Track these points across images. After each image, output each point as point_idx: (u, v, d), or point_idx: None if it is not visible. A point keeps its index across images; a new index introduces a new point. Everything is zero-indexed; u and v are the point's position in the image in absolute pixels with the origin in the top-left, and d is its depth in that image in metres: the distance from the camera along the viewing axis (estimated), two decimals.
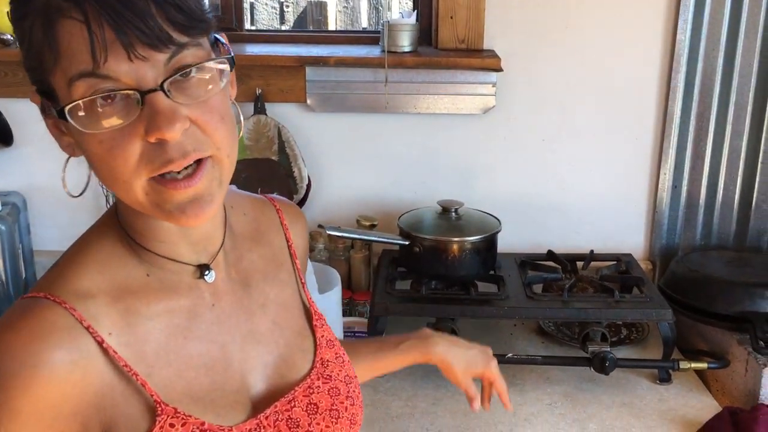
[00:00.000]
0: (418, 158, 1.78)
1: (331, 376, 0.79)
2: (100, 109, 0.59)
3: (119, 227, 0.70)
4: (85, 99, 0.58)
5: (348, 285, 1.76)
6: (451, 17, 1.69)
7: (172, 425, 0.66)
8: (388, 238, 1.58)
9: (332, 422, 0.77)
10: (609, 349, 1.44)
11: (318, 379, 0.78)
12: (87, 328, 0.64)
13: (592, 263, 1.74)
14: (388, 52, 1.64)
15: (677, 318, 1.68)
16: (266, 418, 0.72)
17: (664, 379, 1.50)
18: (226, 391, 0.72)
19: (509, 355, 1.48)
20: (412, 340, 1.05)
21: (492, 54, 1.68)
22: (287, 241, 0.84)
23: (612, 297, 1.52)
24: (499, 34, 1.72)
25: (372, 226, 1.74)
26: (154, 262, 0.70)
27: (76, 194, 0.67)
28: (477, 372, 1.08)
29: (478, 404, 1.07)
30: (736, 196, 1.79)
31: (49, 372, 0.61)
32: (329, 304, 1.42)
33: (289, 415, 0.74)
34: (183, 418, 0.67)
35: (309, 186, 1.76)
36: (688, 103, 1.73)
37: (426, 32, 1.78)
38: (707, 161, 1.77)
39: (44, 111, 0.65)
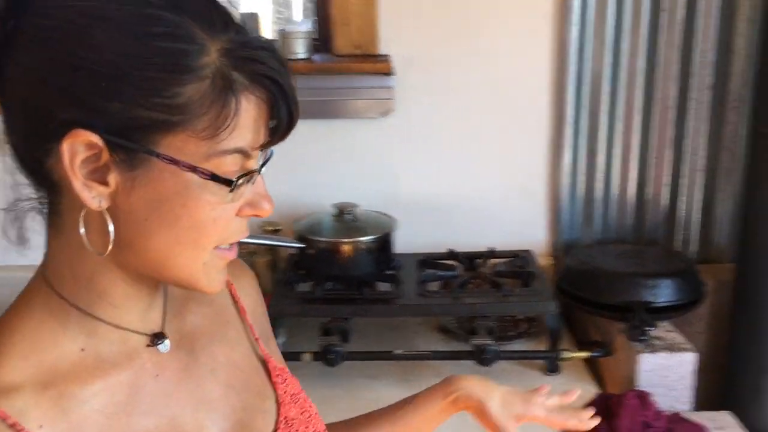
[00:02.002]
0: (320, 163, 1.82)
1: None
2: (235, 180, 0.59)
3: (50, 296, 0.62)
4: (242, 175, 0.59)
5: None
6: (346, 24, 1.73)
7: None
8: (281, 242, 1.61)
9: None
10: (492, 342, 1.49)
11: None
12: (12, 426, 0.57)
13: (494, 260, 1.78)
14: None
15: (574, 310, 1.73)
16: None
17: (552, 369, 1.54)
18: None
19: (398, 351, 1.52)
20: (432, 386, 0.95)
21: (385, 59, 1.72)
22: (232, 298, 0.78)
23: (500, 292, 1.56)
24: (396, 40, 1.77)
25: (276, 231, 1.77)
26: (94, 332, 0.63)
27: (104, 251, 0.59)
28: (517, 412, 0.92)
29: None
30: (632, 191, 1.84)
31: None
32: None
33: None
34: None
35: None
36: (579, 101, 1.78)
37: (325, 39, 1.82)
38: (602, 157, 1.82)
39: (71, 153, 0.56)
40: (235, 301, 0.78)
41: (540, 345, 1.66)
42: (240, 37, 0.57)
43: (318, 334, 1.55)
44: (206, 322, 0.74)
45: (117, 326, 0.64)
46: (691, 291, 1.59)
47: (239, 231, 0.62)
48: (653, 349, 1.46)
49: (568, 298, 1.65)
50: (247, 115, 0.57)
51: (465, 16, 1.75)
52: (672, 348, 1.46)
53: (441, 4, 1.75)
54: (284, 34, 1.69)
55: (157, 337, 0.67)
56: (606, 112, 1.79)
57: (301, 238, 1.62)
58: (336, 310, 1.54)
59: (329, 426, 0.87)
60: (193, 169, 0.57)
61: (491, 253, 1.79)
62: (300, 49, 1.70)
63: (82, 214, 0.58)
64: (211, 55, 0.56)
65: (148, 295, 0.65)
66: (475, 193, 1.87)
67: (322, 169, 1.82)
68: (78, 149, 0.55)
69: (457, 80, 1.78)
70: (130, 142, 0.55)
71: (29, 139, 0.59)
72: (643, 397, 1.34)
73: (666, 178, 1.82)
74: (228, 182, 0.58)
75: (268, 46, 0.58)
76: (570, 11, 1.72)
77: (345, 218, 1.64)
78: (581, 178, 1.84)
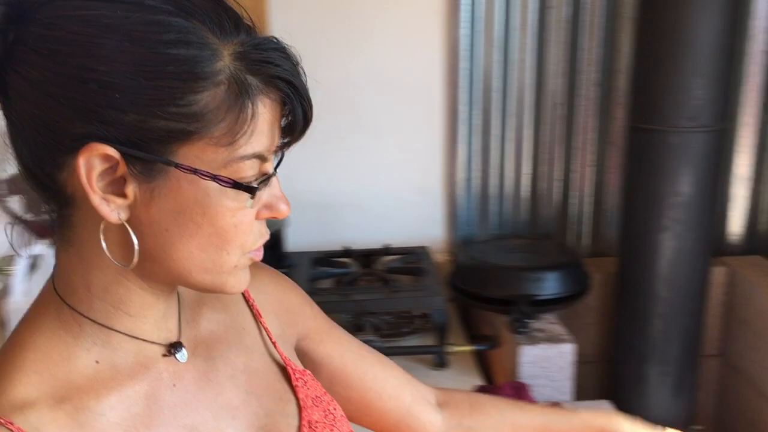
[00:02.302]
0: None
1: None
2: (257, 187, 0.57)
3: (62, 309, 0.60)
4: (261, 179, 0.57)
5: None
6: None
7: None
8: None
9: None
10: (376, 338, 1.48)
11: None
12: None
13: (388, 257, 1.78)
14: None
15: (467, 305, 1.75)
16: None
17: (441, 364, 1.55)
18: None
19: None
20: (592, 411, 0.92)
21: None
22: (247, 301, 0.75)
23: (389, 288, 1.56)
24: (285, 35, 1.75)
25: None
26: (108, 344, 0.61)
27: (128, 264, 0.57)
28: None
29: None
30: (525, 187, 1.87)
31: None
32: None
33: None
34: None
35: None
36: (472, 98, 1.80)
37: None
38: (495, 154, 1.84)
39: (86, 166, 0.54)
40: (250, 305, 0.75)
41: (433, 340, 1.67)
42: (251, 38, 0.56)
43: None
44: (221, 329, 0.71)
45: (133, 336, 0.61)
46: (576, 283, 1.62)
47: (261, 234, 0.60)
48: (534, 341, 1.48)
49: (459, 294, 1.67)
50: (264, 119, 0.56)
51: (356, 14, 1.75)
52: (552, 339, 1.48)
53: (331, 1, 1.74)
54: None
55: (174, 347, 0.64)
56: (498, 110, 1.81)
57: None
58: None
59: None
60: (214, 177, 0.55)
61: (386, 250, 1.79)
62: None
63: (102, 227, 0.56)
64: (225, 60, 0.54)
65: (164, 303, 0.63)
66: (372, 190, 1.87)
67: None
68: (94, 163, 0.53)
69: (349, 78, 1.78)
70: (147, 153, 0.53)
71: (39, 153, 0.56)
72: (518, 388, 1.35)
73: (558, 174, 1.86)
74: (250, 189, 0.56)
75: (279, 46, 0.57)
76: (459, 9, 1.73)
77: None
78: (476, 175, 1.86)
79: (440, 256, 1.87)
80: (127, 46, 0.51)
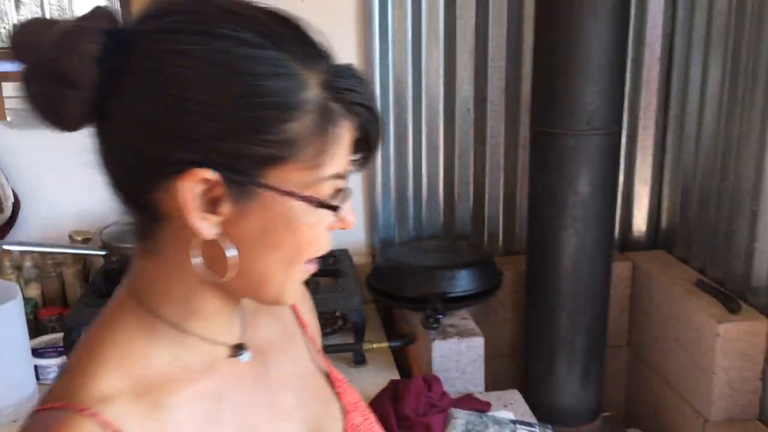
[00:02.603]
0: None
1: None
2: (339, 206, 0.61)
3: (140, 311, 0.64)
4: (339, 197, 0.61)
5: (64, 302, 1.74)
6: None
7: None
8: (84, 250, 1.59)
9: None
10: None
11: None
12: None
13: None
14: None
15: (386, 305, 1.80)
16: None
17: (359, 361, 1.60)
18: None
19: None
20: None
21: None
22: (294, 313, 0.80)
23: (308, 289, 1.60)
24: None
25: (86, 240, 1.73)
26: (182, 345, 0.64)
27: (220, 277, 0.61)
28: None
29: None
30: (441, 191, 1.94)
31: None
32: (4, 318, 1.41)
33: None
34: None
35: (17, 205, 1.73)
36: (385, 104, 1.87)
37: None
38: (410, 158, 1.91)
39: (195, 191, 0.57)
40: (297, 317, 0.80)
41: (352, 339, 1.72)
42: (332, 67, 0.60)
43: None
44: (275, 336, 0.75)
45: (205, 339, 0.65)
46: (487, 281, 1.69)
47: (328, 245, 0.65)
48: (446, 336, 1.55)
49: (377, 294, 1.72)
50: (344, 142, 0.60)
51: None
52: (463, 334, 1.56)
53: None
54: None
55: (238, 348, 0.68)
56: (411, 116, 1.88)
57: (107, 246, 1.60)
58: None
59: None
60: (301, 197, 0.59)
61: None
62: None
63: (193, 243, 0.59)
64: (312, 89, 0.58)
65: (234, 309, 0.67)
66: None
67: None
68: (194, 186, 0.57)
69: None
70: (242, 176, 0.57)
71: (137, 176, 0.59)
72: (429, 381, 1.42)
73: (471, 177, 1.94)
74: (333, 208, 0.61)
75: (356, 74, 0.62)
76: (372, 19, 1.80)
77: None
78: (393, 180, 1.92)
79: (361, 259, 1.93)
80: (225, 80, 0.56)
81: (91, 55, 0.55)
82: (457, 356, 1.54)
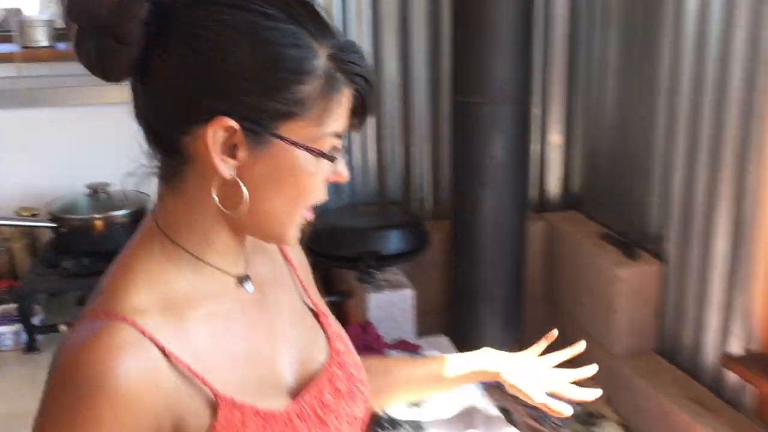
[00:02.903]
0: (72, 148, 1.88)
1: (344, 364, 0.88)
2: (336, 157, 0.73)
3: (165, 242, 0.74)
4: (336, 151, 0.72)
5: (13, 275, 1.82)
6: None
7: (232, 413, 0.74)
8: (32, 222, 1.67)
9: (351, 403, 0.87)
10: None
11: (335, 367, 0.87)
12: (150, 339, 0.69)
13: None
14: (24, 47, 1.72)
15: (325, 266, 1.95)
16: (305, 401, 0.82)
17: None
18: (266, 383, 0.80)
19: None
20: (476, 355, 1.08)
21: None
22: (285, 258, 0.91)
23: None
24: None
25: (34, 215, 1.81)
26: (200, 272, 0.76)
27: (233, 212, 0.73)
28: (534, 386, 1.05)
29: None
30: (372, 161, 2.09)
31: (126, 381, 0.67)
32: None
33: (321, 399, 0.84)
34: (240, 406, 0.75)
35: None
36: None
37: (68, 27, 1.88)
38: None
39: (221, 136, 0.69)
40: (287, 259, 0.91)
41: None
42: (338, 42, 0.71)
43: (74, 305, 1.63)
44: (269, 272, 0.87)
45: (218, 269, 0.77)
46: (416, 241, 1.86)
47: (325, 194, 0.76)
48: (379, 289, 1.71)
49: (317, 256, 1.86)
50: (344, 106, 0.71)
51: None
52: (394, 287, 1.72)
53: None
54: (24, 23, 1.73)
55: (244, 279, 0.80)
56: None
57: (55, 219, 1.69)
58: (92, 284, 1.62)
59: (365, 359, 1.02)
60: (306, 148, 0.71)
61: None
62: (41, 37, 1.75)
63: (214, 182, 0.71)
64: (321, 59, 0.69)
65: (240, 245, 0.78)
66: None
67: (74, 155, 1.88)
68: (219, 132, 0.68)
69: None
70: (259, 127, 0.69)
71: (171, 121, 0.71)
72: (365, 327, 1.57)
73: (399, 148, 2.10)
74: (331, 158, 0.73)
75: (358, 50, 0.73)
76: None
77: (99, 197, 1.73)
78: None
79: None
80: (253, 46, 0.68)
81: (140, 18, 0.68)
82: (391, 307, 1.70)
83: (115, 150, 1.89)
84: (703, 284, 1.66)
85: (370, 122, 2.04)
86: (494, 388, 1.39)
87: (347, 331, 1.44)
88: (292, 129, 0.71)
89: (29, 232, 1.82)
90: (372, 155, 2.09)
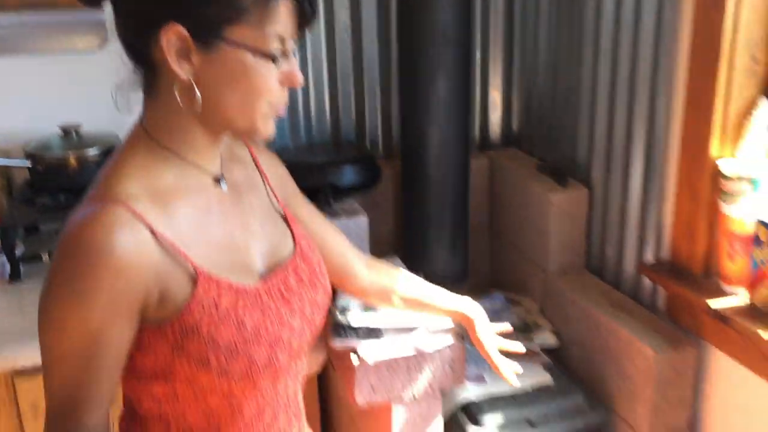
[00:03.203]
0: (44, 96, 1.98)
1: (307, 257, 1.05)
2: (278, 56, 0.85)
3: (151, 143, 0.89)
4: (284, 50, 0.86)
5: None
6: None
7: (209, 285, 0.88)
8: (7, 161, 1.79)
9: (313, 290, 1.03)
10: None
11: (300, 259, 1.03)
12: (140, 219, 0.83)
13: None
14: None
15: None
16: (272, 283, 0.97)
17: None
18: (239, 265, 0.94)
19: None
20: (460, 299, 1.37)
21: None
22: (259, 170, 1.06)
23: None
24: None
25: (2, 152, 1.91)
26: (182, 169, 0.90)
27: (197, 110, 0.89)
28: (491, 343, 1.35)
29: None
30: (327, 103, 2.24)
31: (120, 252, 0.81)
32: None
33: (286, 283, 0.99)
34: (216, 280, 0.89)
35: None
36: None
37: None
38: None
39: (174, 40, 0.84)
40: (260, 170, 1.07)
41: None
42: None
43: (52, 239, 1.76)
44: (244, 179, 1.02)
45: (198, 166, 0.92)
46: (369, 175, 2.03)
47: (283, 97, 0.90)
48: (336, 216, 1.88)
49: None
50: (284, 10, 0.84)
51: None
52: (350, 214, 1.89)
53: None
54: None
55: (219, 179, 0.96)
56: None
57: (30, 157, 1.80)
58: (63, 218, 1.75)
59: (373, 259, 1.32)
60: (252, 49, 0.83)
61: None
62: None
63: (176, 85, 0.85)
64: None
65: (216, 147, 0.94)
66: None
67: (45, 100, 1.98)
68: (172, 38, 0.82)
69: None
70: (206, 32, 0.83)
71: (131, 31, 0.87)
72: None
73: (352, 90, 2.25)
74: (273, 57, 0.85)
75: None
76: None
77: (71, 137, 1.85)
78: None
79: None
80: None
81: None
82: (346, 232, 1.85)
83: (85, 94, 2.03)
84: (623, 205, 1.87)
85: (324, 65, 2.19)
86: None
87: None
88: (237, 32, 0.83)
89: (5, 173, 1.93)
90: (327, 98, 2.24)
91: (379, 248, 1.98)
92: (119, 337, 0.85)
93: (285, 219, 1.08)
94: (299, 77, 0.90)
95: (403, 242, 2.19)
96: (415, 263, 2.07)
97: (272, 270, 0.99)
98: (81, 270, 0.81)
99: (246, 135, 0.94)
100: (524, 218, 2.14)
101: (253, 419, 0.97)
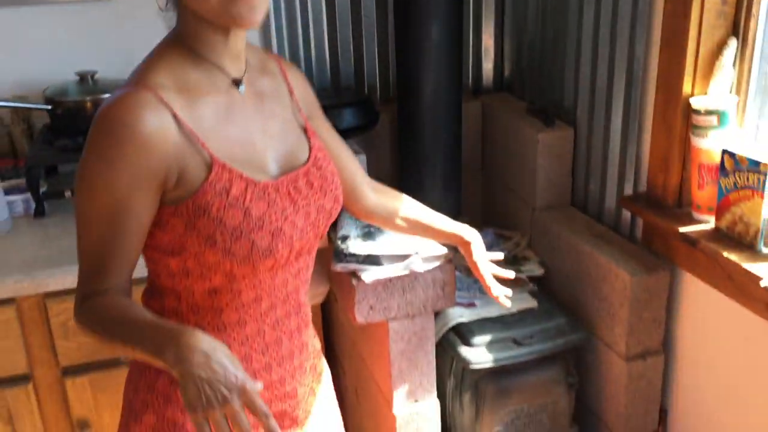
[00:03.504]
0: (63, 41, 2.10)
1: (321, 167, 1.13)
2: None
3: (181, 47, 1.00)
4: None
5: (14, 156, 2.06)
6: None
7: (222, 172, 0.99)
8: (30, 105, 1.91)
9: (322, 196, 1.12)
10: None
11: (313, 167, 1.12)
12: (165, 105, 0.95)
13: None
14: None
15: None
16: (281, 182, 1.06)
17: None
18: (253, 162, 1.04)
19: None
20: (460, 225, 1.46)
21: None
22: (286, 83, 1.15)
23: None
24: None
25: (22, 98, 2.03)
26: (206, 69, 1.01)
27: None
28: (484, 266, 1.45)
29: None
30: (326, 51, 2.35)
31: (145, 129, 0.93)
32: None
33: (294, 185, 1.08)
34: (229, 169, 1.00)
35: None
36: None
37: None
38: (299, 27, 2.29)
39: None
40: (288, 84, 1.16)
41: None
42: None
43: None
44: (271, 89, 1.11)
45: (220, 68, 1.03)
46: (367, 117, 2.15)
47: None
48: None
49: None
50: None
51: None
52: None
53: None
54: None
55: (237, 82, 1.05)
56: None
57: (50, 101, 1.92)
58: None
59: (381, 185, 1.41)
60: None
61: None
62: None
63: None
64: None
65: (235, 50, 1.03)
66: None
67: (62, 50, 2.10)
68: None
69: None
70: None
71: None
72: None
73: (350, 38, 2.35)
74: None
75: None
76: None
77: (87, 82, 1.97)
78: (286, 45, 2.31)
79: None
80: None
81: None
82: None
83: (100, 42, 2.13)
84: (606, 143, 2.00)
85: (324, 12, 2.29)
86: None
87: None
88: None
89: (26, 118, 2.05)
90: (326, 44, 2.34)
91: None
92: (141, 206, 0.97)
93: (305, 131, 1.16)
94: None
95: (399, 182, 2.32)
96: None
97: (285, 172, 1.09)
98: (109, 142, 0.93)
99: (235, 20, 0.98)
100: (514, 158, 2.27)
101: (251, 303, 1.08)
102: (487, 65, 2.53)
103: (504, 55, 2.53)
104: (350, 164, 1.33)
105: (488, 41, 2.50)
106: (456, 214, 2.33)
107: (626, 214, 1.95)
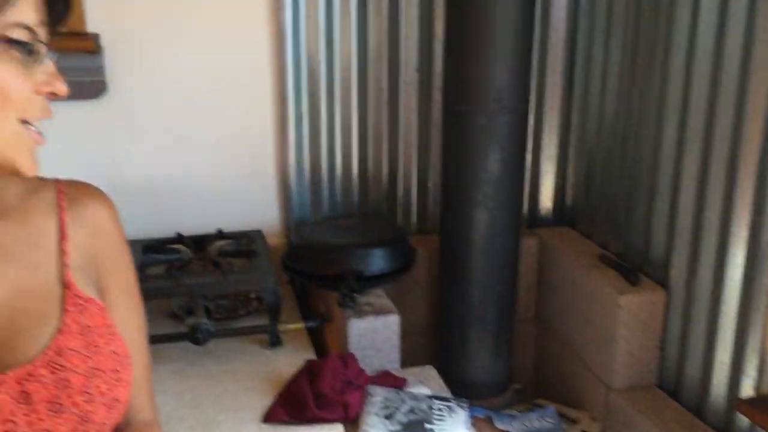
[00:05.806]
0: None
1: (64, 367, 0.74)
2: (25, 42, 0.68)
3: None
4: (31, 48, 0.68)
5: None
6: None
7: None
8: None
9: (50, 415, 0.72)
10: (206, 321, 1.49)
11: (43, 367, 0.73)
12: None
13: (221, 241, 1.79)
14: None
15: (303, 285, 1.79)
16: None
17: (274, 342, 1.59)
18: None
19: None
20: None
21: (90, 37, 1.65)
22: (60, 224, 0.80)
23: (220, 271, 1.57)
24: (105, 19, 1.70)
25: None
26: None
27: None
28: None
29: None
30: (355, 169, 1.94)
31: None
32: None
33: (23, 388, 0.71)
34: None
35: None
36: (298, 82, 1.84)
37: None
38: (323, 137, 1.90)
39: None
40: (60, 227, 0.80)
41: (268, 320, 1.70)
42: None
43: None
44: (8, 239, 0.77)
45: None
46: (401, 259, 1.71)
47: (42, 108, 0.70)
48: (362, 314, 1.55)
49: (293, 274, 1.71)
50: (25, 2, 0.67)
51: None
52: (378, 312, 1.57)
53: None
54: None
55: None
56: (324, 93, 1.86)
57: None
58: None
59: None
60: None
61: (219, 235, 1.79)
62: None
63: None
64: None
65: None
66: (204, 175, 1.86)
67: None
68: None
69: (173, 62, 1.76)
70: None
71: None
72: (345, 358, 1.42)
73: (384, 155, 1.95)
74: (19, 44, 0.66)
75: None
76: None
77: None
78: (307, 159, 1.90)
79: (275, 239, 1.90)
80: None
81: None
82: (373, 334, 1.55)
83: (78, 151, 1.74)
84: (713, 316, 1.53)
85: (354, 127, 1.89)
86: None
87: (325, 364, 1.29)
88: None
89: None
90: (354, 165, 1.94)
91: (406, 347, 1.64)
92: None
93: (63, 295, 0.77)
94: (61, 85, 0.72)
95: (437, 340, 1.86)
96: (451, 368, 1.74)
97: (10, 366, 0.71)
98: None
99: (10, 169, 0.71)
100: (582, 317, 1.81)
101: None
102: (545, 192, 2.11)
103: (566, 182, 2.10)
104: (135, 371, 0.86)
105: (548, 164, 2.08)
106: (507, 382, 1.86)
107: (742, 420, 1.46)
